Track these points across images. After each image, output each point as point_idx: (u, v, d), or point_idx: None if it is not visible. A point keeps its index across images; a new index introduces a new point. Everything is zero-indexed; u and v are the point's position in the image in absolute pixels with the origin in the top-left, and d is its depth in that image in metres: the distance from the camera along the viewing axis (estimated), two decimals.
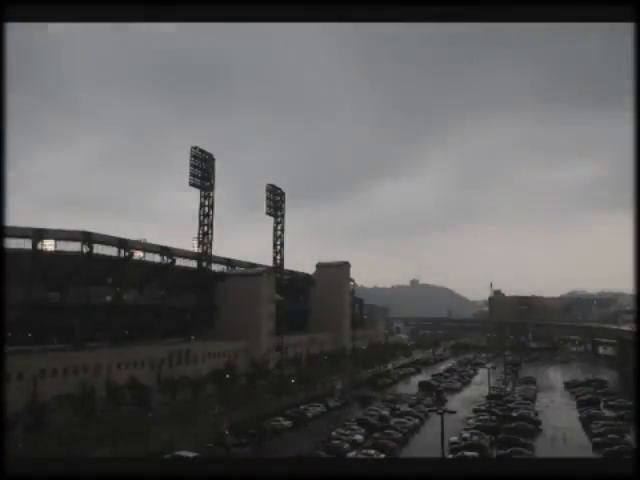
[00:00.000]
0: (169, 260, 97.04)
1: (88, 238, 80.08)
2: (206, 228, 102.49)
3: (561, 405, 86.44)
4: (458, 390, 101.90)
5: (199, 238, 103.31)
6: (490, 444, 53.69)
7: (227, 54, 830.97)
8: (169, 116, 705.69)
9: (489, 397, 74.77)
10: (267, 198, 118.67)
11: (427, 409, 77.65)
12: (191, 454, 49.22)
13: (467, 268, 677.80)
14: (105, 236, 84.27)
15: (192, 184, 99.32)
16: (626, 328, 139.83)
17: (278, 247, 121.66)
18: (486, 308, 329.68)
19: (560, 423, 69.25)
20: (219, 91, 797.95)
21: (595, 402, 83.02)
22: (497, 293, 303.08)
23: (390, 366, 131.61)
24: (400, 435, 60.27)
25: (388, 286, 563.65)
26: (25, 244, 76.53)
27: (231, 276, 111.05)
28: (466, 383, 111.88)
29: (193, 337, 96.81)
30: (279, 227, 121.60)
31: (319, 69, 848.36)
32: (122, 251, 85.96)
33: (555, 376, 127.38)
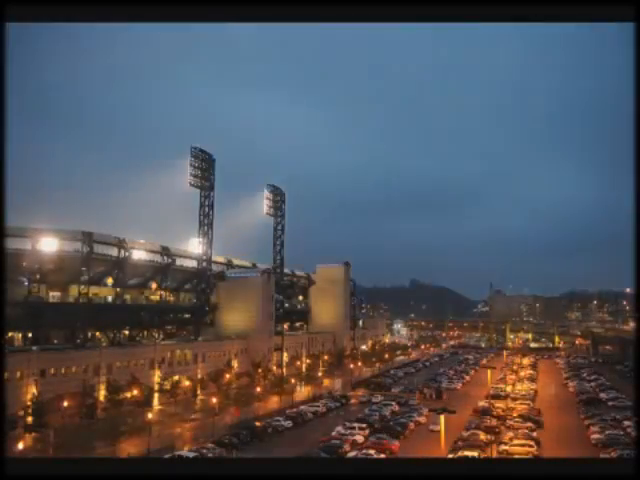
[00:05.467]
0: (169, 260, 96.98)
1: (88, 238, 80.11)
2: (206, 228, 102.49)
3: (562, 406, 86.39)
4: (458, 390, 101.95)
5: (199, 238, 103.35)
6: (490, 444, 53.72)
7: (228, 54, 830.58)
8: (169, 115, 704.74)
9: (489, 397, 74.87)
10: (267, 198, 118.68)
11: (427, 409, 77.81)
12: (191, 454, 49.30)
13: (467, 268, 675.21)
14: (105, 236, 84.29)
15: (192, 184, 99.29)
16: (626, 328, 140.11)
17: (278, 247, 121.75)
18: (486, 308, 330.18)
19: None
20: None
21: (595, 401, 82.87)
22: (497, 293, 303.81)
23: (390, 366, 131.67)
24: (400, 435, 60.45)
25: (388, 286, 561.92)
26: (25, 244, 76.45)
27: (231, 276, 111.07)
28: (466, 383, 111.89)
29: (193, 337, 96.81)
30: (279, 227, 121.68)
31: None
32: (122, 251, 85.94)
33: (555, 376, 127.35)
